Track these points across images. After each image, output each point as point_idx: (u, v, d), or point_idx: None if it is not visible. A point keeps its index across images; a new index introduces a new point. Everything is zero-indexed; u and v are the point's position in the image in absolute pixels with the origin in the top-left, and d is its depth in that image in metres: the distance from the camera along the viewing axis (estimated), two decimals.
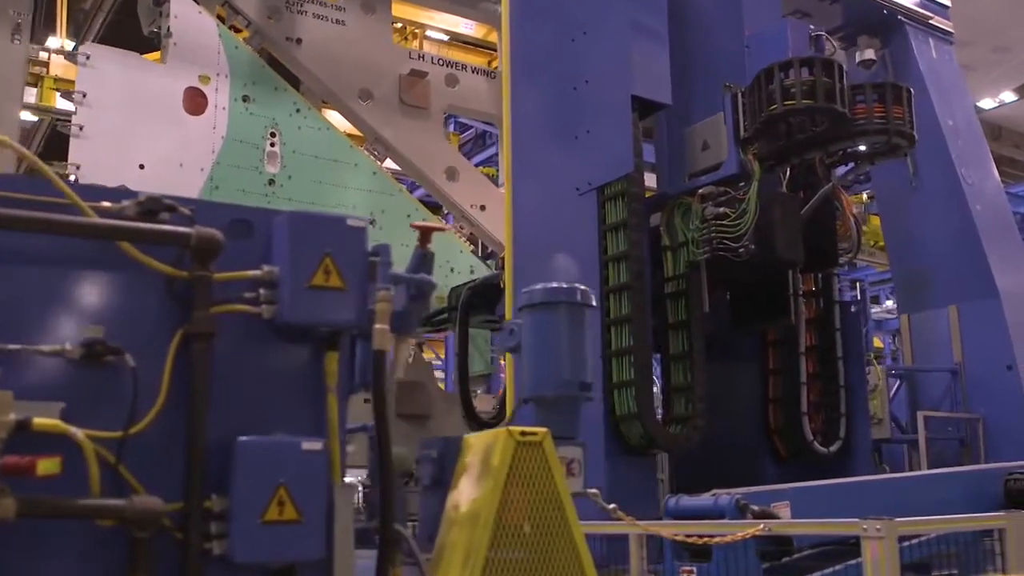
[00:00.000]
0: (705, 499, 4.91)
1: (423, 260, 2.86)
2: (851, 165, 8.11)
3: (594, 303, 3.65)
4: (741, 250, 7.10)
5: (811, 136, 7.32)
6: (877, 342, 21.21)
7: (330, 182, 10.27)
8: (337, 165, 10.34)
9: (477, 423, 9.17)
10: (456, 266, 10.77)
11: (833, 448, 7.94)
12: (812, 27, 8.43)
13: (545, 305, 3.58)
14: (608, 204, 7.43)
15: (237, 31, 10.39)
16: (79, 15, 15.50)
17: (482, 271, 10.80)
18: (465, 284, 9.59)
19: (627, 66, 7.39)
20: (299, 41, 10.28)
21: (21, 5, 8.97)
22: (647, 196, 7.83)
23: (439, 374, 15.66)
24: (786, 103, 6.89)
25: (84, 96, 9.06)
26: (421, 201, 11.58)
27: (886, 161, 8.12)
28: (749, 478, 6.85)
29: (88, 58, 9.18)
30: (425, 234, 2.90)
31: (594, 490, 3.40)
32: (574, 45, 7.90)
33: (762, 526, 4.11)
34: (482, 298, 9.35)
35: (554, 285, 3.62)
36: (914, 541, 4.96)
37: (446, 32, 15.02)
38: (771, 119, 6.99)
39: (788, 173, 7.81)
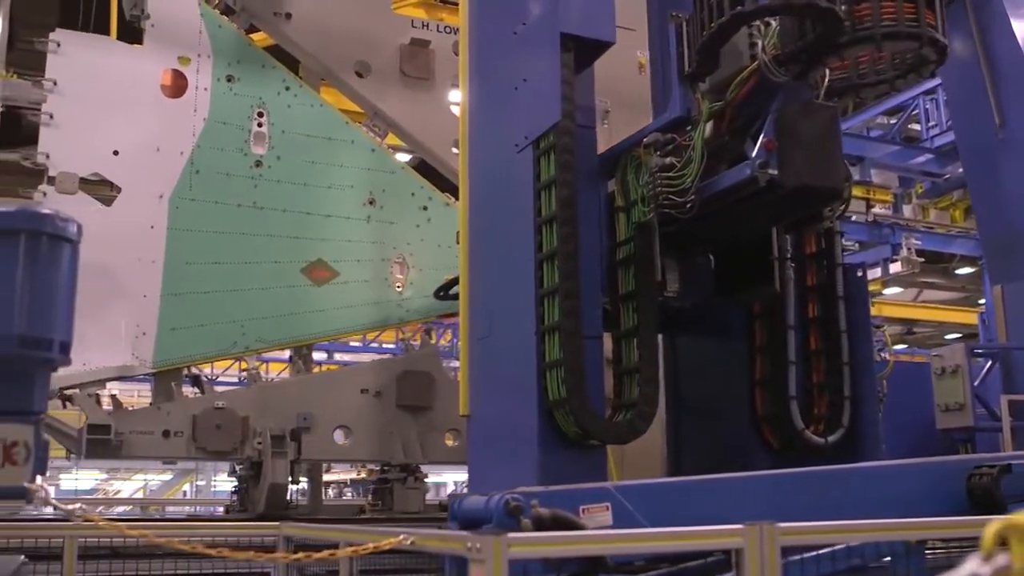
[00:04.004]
0: (481, 500, 3.94)
1: None
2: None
3: (72, 237, 2.81)
4: (688, 205, 6.05)
5: (825, 36, 5.49)
6: None
7: (324, 161, 9.68)
8: (331, 143, 9.74)
9: None
10: None
11: (833, 437, 6.71)
12: None
13: None
14: (542, 160, 6.50)
15: (231, 11, 9.95)
16: None
17: None
18: None
19: (557, 1, 6.45)
20: (288, 16, 9.74)
21: None
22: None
23: None
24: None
25: (55, 84, 8.81)
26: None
27: (889, 91, 6.76)
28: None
29: (59, 45, 8.93)
30: None
31: (36, 484, 2.58)
32: None
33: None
34: None
35: (14, 208, 2.82)
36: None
37: None
38: (715, 35, 5.80)
39: (827, 79, 5.98)
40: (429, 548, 3.31)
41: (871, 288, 19.24)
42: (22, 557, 3.58)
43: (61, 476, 30.45)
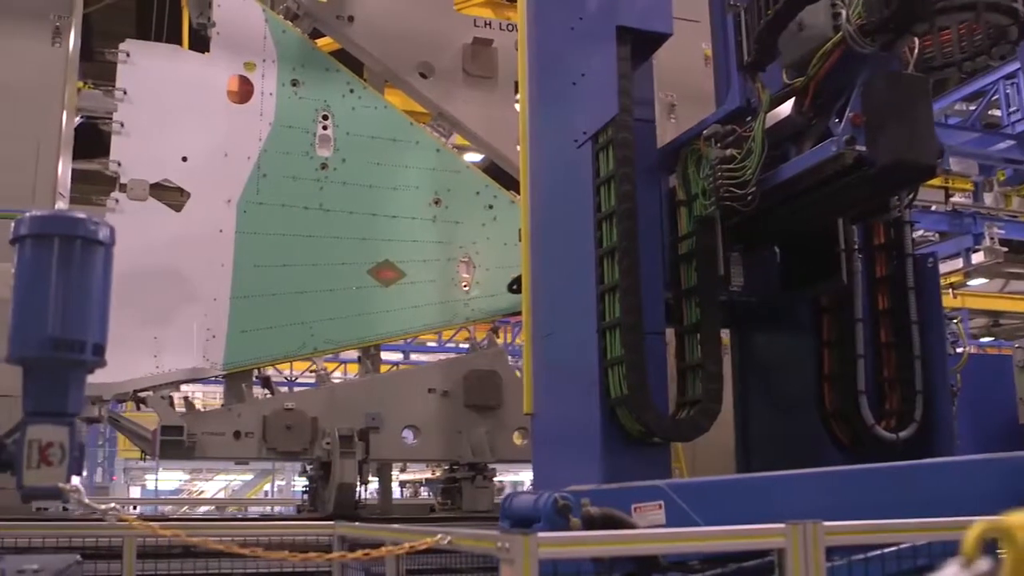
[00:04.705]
0: (531, 498, 3.89)
1: None
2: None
3: (103, 239, 2.82)
4: (749, 197, 5.93)
5: (908, 4, 5.10)
6: None
7: (389, 163, 9.72)
8: (396, 144, 9.78)
9: None
10: None
11: (905, 433, 6.53)
12: None
13: (34, 239, 2.79)
14: (601, 155, 6.45)
15: (295, 16, 10.05)
16: None
17: None
18: None
19: None
20: (351, 19, 9.80)
21: (62, 8, 9.00)
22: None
23: None
24: None
25: (125, 93, 8.99)
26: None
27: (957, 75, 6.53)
28: None
29: (128, 55, 9.11)
30: None
31: (73, 485, 2.58)
32: None
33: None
34: None
35: (48, 213, 2.84)
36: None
37: None
38: (772, 23, 5.67)
39: (917, 50, 5.77)
40: (464, 548, 3.26)
41: (953, 280, 18.76)
42: (76, 556, 3.65)
43: (147, 477, 31.23)
